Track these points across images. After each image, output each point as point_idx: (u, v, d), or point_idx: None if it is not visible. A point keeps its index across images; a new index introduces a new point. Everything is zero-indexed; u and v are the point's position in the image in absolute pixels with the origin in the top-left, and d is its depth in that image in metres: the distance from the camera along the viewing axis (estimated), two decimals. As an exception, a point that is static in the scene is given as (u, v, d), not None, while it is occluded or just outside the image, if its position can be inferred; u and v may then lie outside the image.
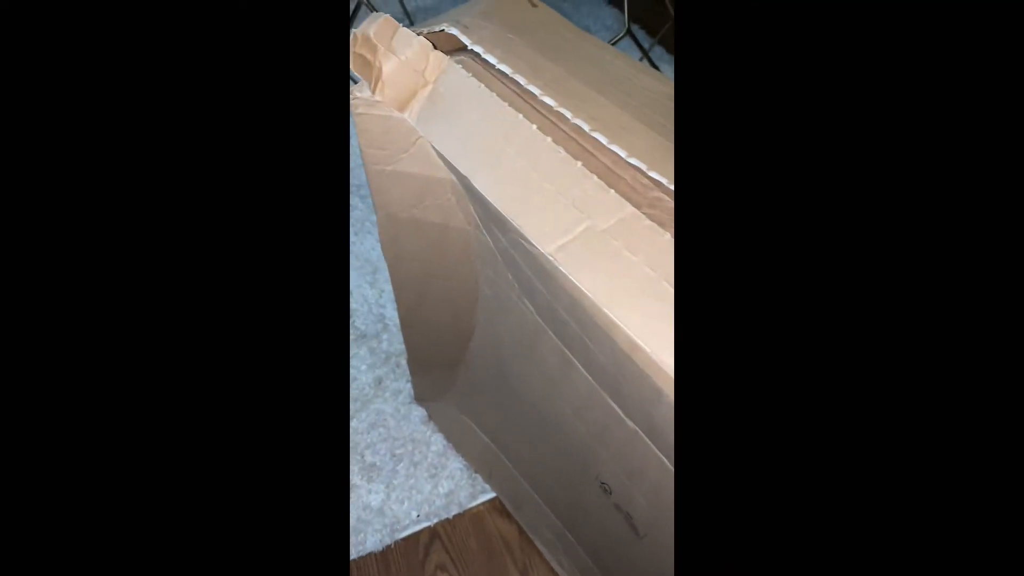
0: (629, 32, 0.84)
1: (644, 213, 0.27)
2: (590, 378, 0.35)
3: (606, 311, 0.27)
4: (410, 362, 0.60)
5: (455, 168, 0.34)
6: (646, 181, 0.29)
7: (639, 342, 0.26)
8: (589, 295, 0.27)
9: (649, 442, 0.33)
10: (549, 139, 0.30)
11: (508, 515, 0.61)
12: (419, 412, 0.67)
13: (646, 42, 1.04)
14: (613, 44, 0.87)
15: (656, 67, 0.94)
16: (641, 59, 0.91)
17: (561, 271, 0.28)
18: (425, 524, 0.60)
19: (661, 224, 0.27)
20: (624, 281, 0.26)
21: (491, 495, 0.62)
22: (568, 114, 0.30)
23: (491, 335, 0.49)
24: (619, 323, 0.26)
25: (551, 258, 0.28)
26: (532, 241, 0.29)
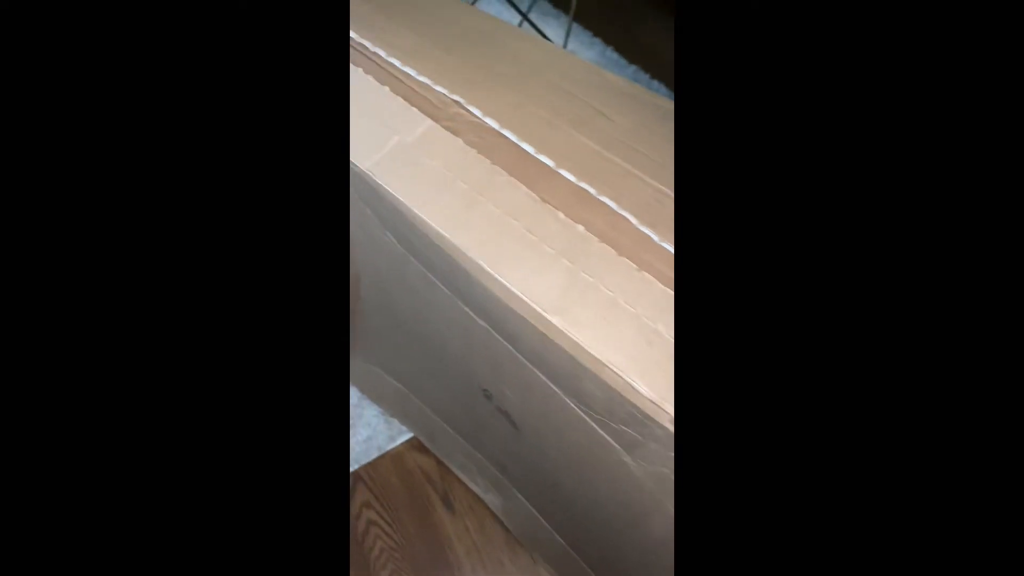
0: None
1: (442, 125, 0.31)
2: (444, 288, 0.39)
3: (415, 211, 0.31)
4: (311, 319, 0.63)
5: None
6: (444, 98, 0.33)
7: (442, 232, 0.30)
8: (403, 200, 0.31)
9: (496, 335, 0.37)
10: (360, 70, 0.33)
11: (426, 449, 0.65)
12: (333, 370, 0.70)
13: (524, 3, 1.07)
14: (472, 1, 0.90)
15: (536, 27, 0.98)
16: (521, 23, 0.94)
17: (381, 184, 0.32)
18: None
19: (455, 133, 0.31)
20: (426, 183, 0.30)
21: (409, 435, 0.66)
22: (368, 44, 0.34)
23: (373, 277, 0.52)
24: (427, 219, 0.30)
25: (370, 174, 0.32)
26: (355, 161, 0.33)
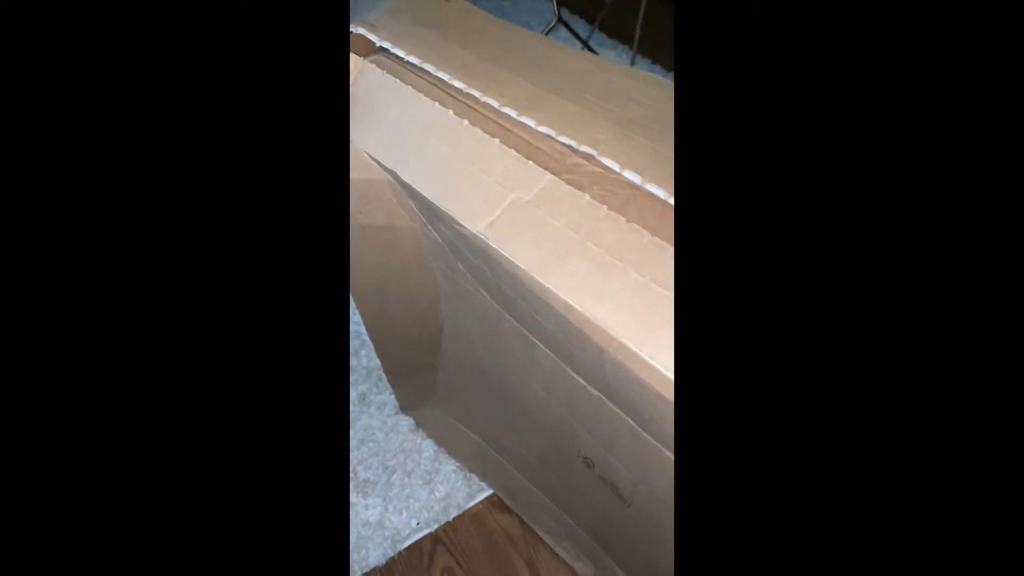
0: (561, 21, 0.85)
1: (563, 179, 0.28)
2: (548, 352, 0.35)
3: (538, 278, 0.27)
4: (386, 372, 0.60)
5: (385, 165, 0.34)
6: (563, 148, 0.29)
7: (571, 303, 0.26)
8: (521, 266, 0.28)
9: (613, 406, 0.33)
10: (466, 121, 0.30)
11: (508, 509, 0.61)
12: (407, 422, 0.67)
13: (586, 31, 1.05)
14: (546, 34, 0.88)
15: (595, 52, 0.95)
16: (581, 49, 0.92)
17: (494, 248, 0.29)
18: (426, 531, 0.60)
19: (580, 187, 0.27)
20: (550, 246, 0.27)
21: (488, 492, 0.62)
22: (478, 94, 0.31)
23: (459, 330, 0.49)
24: (551, 288, 0.26)
25: (482, 236, 0.29)
26: (463, 223, 0.30)
